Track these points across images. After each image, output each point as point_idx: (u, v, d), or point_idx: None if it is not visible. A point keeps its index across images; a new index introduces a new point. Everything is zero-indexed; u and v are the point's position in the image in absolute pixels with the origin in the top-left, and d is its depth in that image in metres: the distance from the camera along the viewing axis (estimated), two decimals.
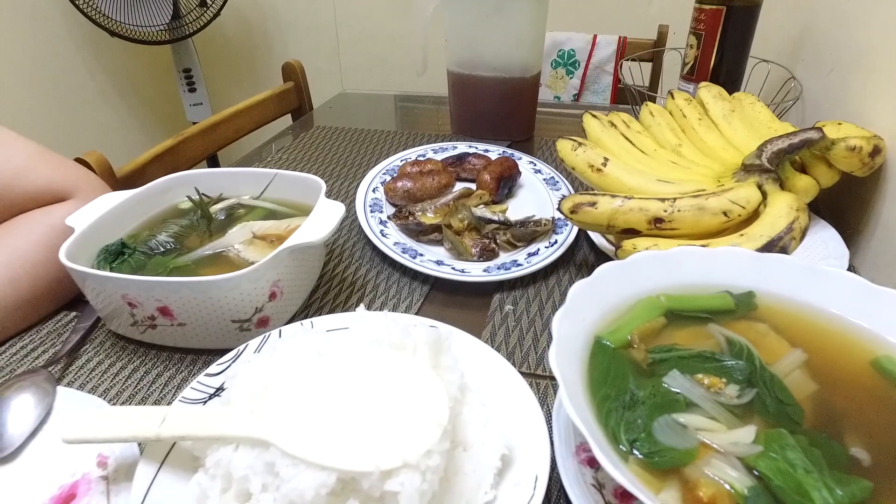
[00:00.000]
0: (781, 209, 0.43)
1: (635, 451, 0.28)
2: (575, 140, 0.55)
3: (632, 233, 0.46)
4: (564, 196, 0.49)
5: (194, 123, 1.72)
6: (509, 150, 0.72)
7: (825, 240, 0.53)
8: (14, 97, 1.44)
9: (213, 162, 1.68)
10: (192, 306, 0.40)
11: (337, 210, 0.45)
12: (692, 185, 0.49)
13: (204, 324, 0.41)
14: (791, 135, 0.49)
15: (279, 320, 0.44)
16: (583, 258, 0.54)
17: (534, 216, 0.58)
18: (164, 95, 1.81)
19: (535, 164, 0.68)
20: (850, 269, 0.51)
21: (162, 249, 0.48)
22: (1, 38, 1.39)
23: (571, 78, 1.29)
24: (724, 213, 0.43)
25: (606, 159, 0.52)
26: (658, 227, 0.45)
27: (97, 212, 0.47)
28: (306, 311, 0.48)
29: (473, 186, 0.64)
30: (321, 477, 0.25)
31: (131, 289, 0.40)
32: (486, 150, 0.72)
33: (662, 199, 0.45)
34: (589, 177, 0.53)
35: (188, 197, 0.53)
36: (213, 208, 0.53)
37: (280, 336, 0.39)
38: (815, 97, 0.71)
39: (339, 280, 0.52)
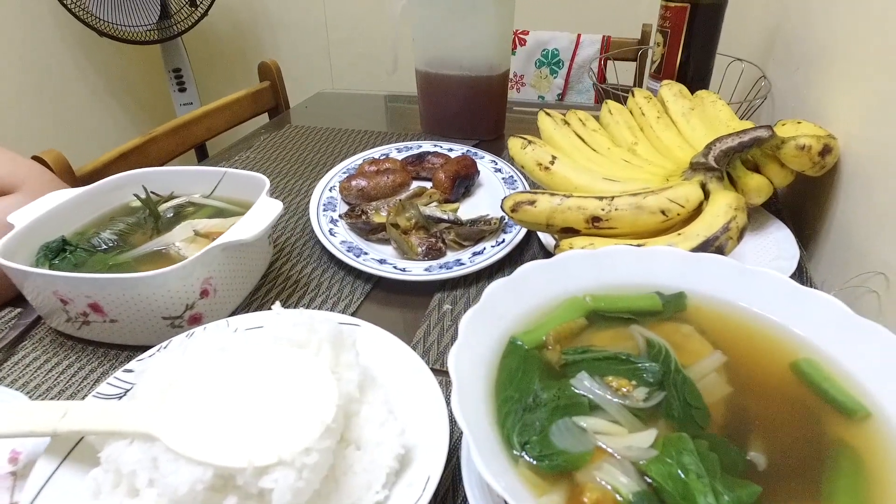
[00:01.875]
0: (720, 208, 0.42)
1: (525, 454, 0.27)
2: (525, 138, 0.54)
3: (571, 231, 0.45)
4: (506, 196, 0.48)
5: None
6: (473, 150, 0.71)
7: (779, 240, 0.52)
8: (3, 97, 1.46)
9: (203, 155, 1.69)
10: (122, 303, 0.40)
11: (273, 208, 0.45)
12: (639, 183, 0.49)
13: (135, 320, 0.41)
14: (741, 133, 0.48)
15: (214, 317, 0.44)
16: (531, 258, 0.54)
17: (486, 215, 0.57)
18: (155, 95, 1.82)
19: (496, 164, 0.68)
20: (802, 269, 0.50)
21: (104, 247, 0.48)
22: None
23: (555, 77, 1.28)
24: (663, 212, 0.43)
25: (554, 157, 0.52)
26: (596, 226, 0.44)
27: (41, 209, 0.47)
28: (248, 307, 0.48)
29: (429, 188, 0.63)
30: (198, 472, 0.25)
31: (60, 285, 0.40)
32: (450, 150, 0.72)
33: (601, 198, 0.44)
34: (537, 175, 0.52)
35: (135, 195, 0.53)
36: (163, 206, 0.54)
37: (205, 332, 0.39)
38: (784, 95, 0.70)
39: (285, 278, 0.52)
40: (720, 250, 0.41)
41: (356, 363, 0.30)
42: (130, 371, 0.36)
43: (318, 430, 0.26)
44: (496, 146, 0.80)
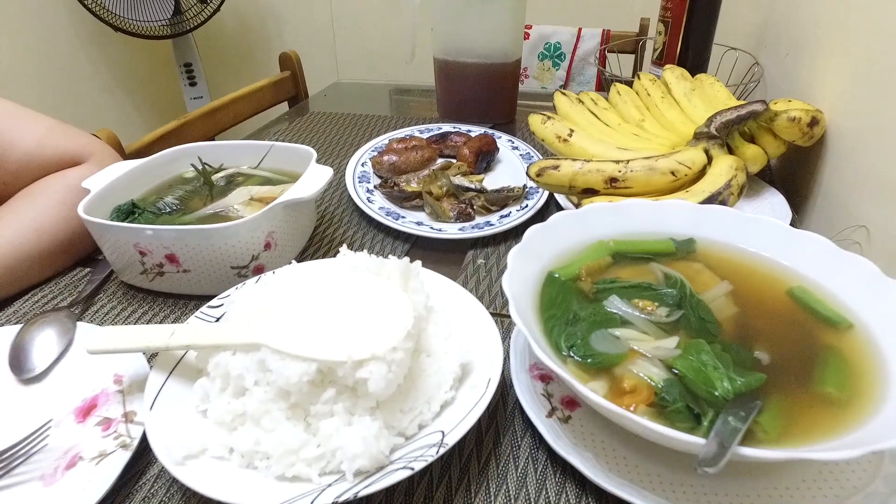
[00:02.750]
0: (722, 168, 0.48)
1: (572, 354, 0.33)
2: (545, 114, 0.60)
3: (591, 192, 0.51)
4: (531, 163, 0.54)
5: None
6: (489, 130, 0.77)
7: (773, 204, 0.58)
8: (19, 91, 1.49)
9: None
10: (196, 253, 0.45)
11: (326, 172, 0.50)
12: (650, 153, 0.54)
13: (206, 270, 0.46)
14: (738, 107, 0.54)
15: (274, 268, 0.49)
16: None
17: (509, 185, 0.63)
18: (166, 89, 1.86)
19: (513, 142, 0.73)
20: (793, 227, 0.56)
21: (168, 210, 0.53)
22: (7, 33, 1.44)
23: (557, 70, 1.34)
24: (672, 173, 0.49)
25: (572, 130, 0.57)
26: (613, 186, 0.50)
27: (110, 176, 0.52)
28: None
29: (455, 161, 0.69)
30: (303, 367, 0.30)
31: (143, 238, 0.45)
32: (469, 131, 0.77)
33: (617, 161, 0.50)
34: (556, 146, 0.58)
35: (192, 165, 0.58)
36: (215, 177, 0.58)
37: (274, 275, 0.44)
38: (775, 79, 0.77)
39: (329, 240, 0.57)
40: (723, 203, 0.47)
41: (422, 288, 0.36)
42: (214, 307, 0.41)
43: (401, 333, 0.31)
44: (509, 129, 0.86)
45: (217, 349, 0.34)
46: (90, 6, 1.43)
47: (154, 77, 1.83)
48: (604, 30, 1.30)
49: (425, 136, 0.76)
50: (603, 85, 1.33)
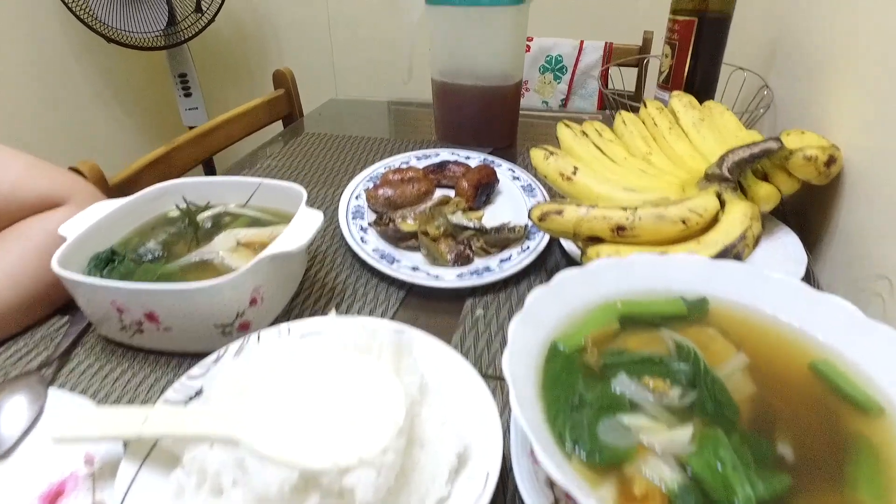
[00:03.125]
0: (736, 217, 0.45)
1: (578, 450, 0.30)
2: (547, 149, 0.57)
3: (596, 240, 0.48)
4: (534, 206, 0.51)
5: (190, 128, 1.75)
6: (490, 158, 0.74)
7: (786, 244, 0.55)
8: (12, 103, 1.46)
9: (209, 166, 1.71)
10: (177, 312, 0.42)
11: (315, 219, 0.47)
12: (657, 193, 0.52)
13: (188, 328, 0.43)
14: (752, 145, 0.51)
15: (260, 324, 0.47)
16: (554, 264, 0.56)
17: (509, 223, 0.60)
18: (160, 100, 1.83)
19: (513, 172, 0.70)
20: (809, 273, 0.54)
21: (151, 257, 0.50)
22: None
23: (559, 83, 1.31)
24: (683, 222, 0.46)
25: (576, 168, 0.54)
26: (620, 234, 0.47)
27: (89, 220, 0.49)
28: (288, 314, 0.50)
29: (453, 193, 0.66)
30: (284, 473, 0.27)
31: (120, 295, 0.42)
32: (468, 157, 0.74)
33: (625, 209, 0.47)
34: (559, 185, 0.55)
35: (176, 206, 0.55)
36: (201, 216, 0.56)
37: (258, 340, 0.41)
38: (786, 105, 0.74)
39: (321, 285, 0.54)
40: (738, 257, 0.44)
41: (416, 368, 0.33)
42: (193, 378, 0.38)
43: (392, 431, 0.28)
44: (509, 154, 0.83)
45: (194, 439, 0.31)
46: (82, 17, 1.40)
47: (149, 88, 1.80)
48: (606, 42, 1.27)
49: (423, 163, 0.73)
50: (605, 101, 1.31)
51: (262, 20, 1.76)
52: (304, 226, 0.47)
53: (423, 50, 0.81)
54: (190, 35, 1.56)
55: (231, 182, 0.58)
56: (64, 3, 1.37)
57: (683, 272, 0.42)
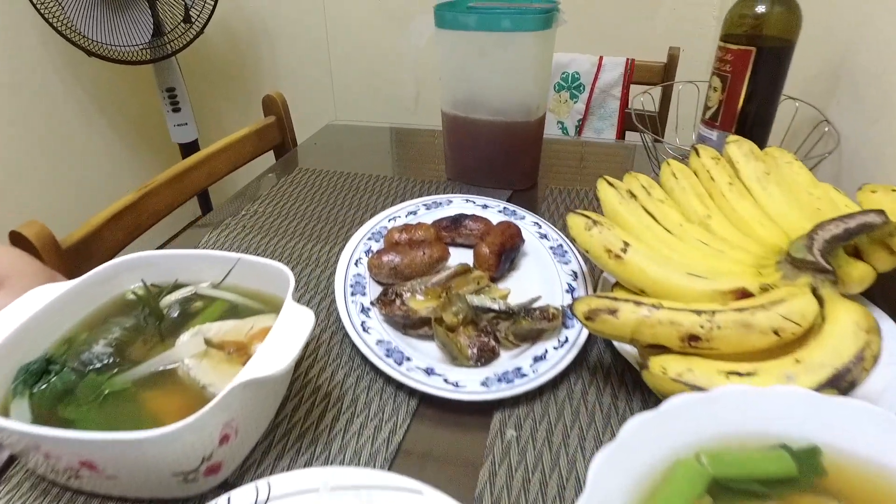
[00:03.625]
0: (847, 329, 0.35)
1: None
2: (588, 216, 0.47)
3: (660, 347, 0.38)
4: (577, 298, 0.41)
5: (181, 144, 1.65)
6: (510, 207, 0.64)
7: (885, 335, 0.45)
8: None
9: (205, 198, 1.61)
10: (123, 461, 0.32)
11: (304, 324, 0.37)
12: (729, 279, 0.41)
13: (139, 478, 0.33)
14: (846, 218, 0.41)
15: (234, 461, 0.37)
16: (597, 358, 0.46)
17: (538, 298, 0.50)
18: (148, 116, 1.73)
19: (539, 226, 0.60)
20: None
21: (98, 364, 0.40)
22: None
23: (576, 102, 1.21)
24: (775, 332, 0.36)
25: (626, 244, 0.44)
26: (693, 345, 0.37)
27: (21, 315, 0.39)
28: (270, 435, 0.40)
29: (470, 255, 0.56)
30: None
31: (44, 443, 0.32)
32: (485, 206, 0.64)
33: (698, 312, 0.37)
34: (605, 263, 0.45)
35: (133, 292, 0.45)
36: (166, 300, 0.46)
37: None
38: (855, 148, 0.64)
39: (313, 389, 0.44)
40: (853, 385, 0.34)
41: None
42: None
43: None
44: (531, 198, 0.73)
45: None
46: (60, 29, 1.30)
47: (135, 103, 1.70)
48: (628, 59, 1.16)
49: (433, 214, 0.63)
50: (626, 121, 1.20)
51: (256, 29, 1.65)
52: (289, 335, 0.36)
53: (431, 76, 0.71)
54: (178, 47, 1.45)
55: (204, 256, 0.48)
56: (40, 13, 1.26)
57: (784, 410, 0.32)
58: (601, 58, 1.18)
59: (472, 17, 0.63)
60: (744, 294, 0.40)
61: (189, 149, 1.61)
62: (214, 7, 1.41)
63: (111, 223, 0.62)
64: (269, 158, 0.92)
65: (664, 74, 1.14)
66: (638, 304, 0.38)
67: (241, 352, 0.41)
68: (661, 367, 0.37)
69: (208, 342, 0.41)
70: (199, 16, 1.43)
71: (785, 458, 0.30)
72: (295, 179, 0.78)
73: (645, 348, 0.39)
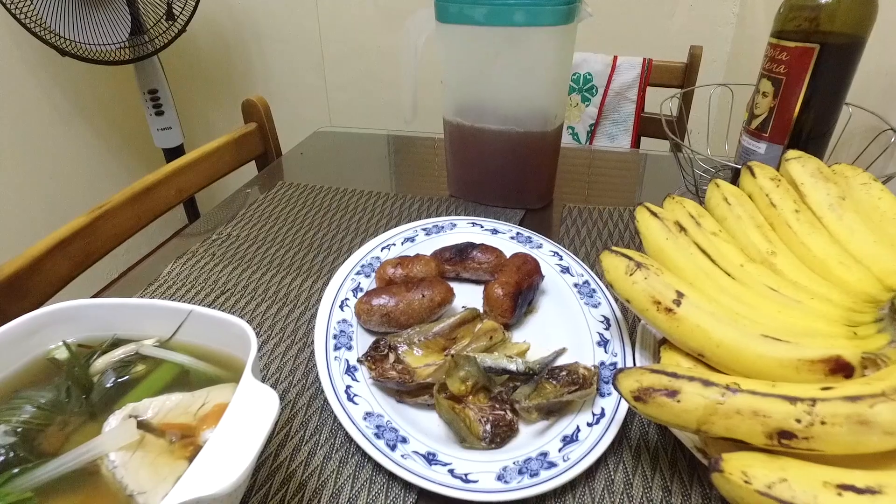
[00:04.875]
0: None
1: None
2: (629, 257, 0.37)
3: (737, 441, 0.29)
4: (622, 369, 0.31)
5: (165, 150, 1.55)
6: (524, 232, 0.55)
7: None
8: None
9: (191, 206, 1.51)
10: None
11: (265, 413, 0.28)
12: (817, 342, 0.32)
13: None
14: None
15: None
16: (639, 433, 0.37)
17: (563, 351, 0.41)
18: (129, 120, 1.63)
19: (560, 258, 0.51)
20: None
21: None
22: None
23: (588, 106, 1.12)
24: None
25: (680, 294, 0.35)
26: (784, 444, 0.27)
27: None
28: None
29: (478, 293, 0.47)
30: None
31: None
32: (495, 231, 0.55)
33: (793, 400, 0.27)
34: (653, 317, 0.36)
35: (50, 358, 0.35)
36: (99, 363, 0.36)
37: None
38: None
39: (284, 478, 0.35)
40: None
41: None
42: None
43: None
44: (545, 218, 0.64)
45: None
46: (30, 26, 1.20)
47: (116, 105, 1.60)
48: (644, 59, 1.07)
49: (434, 242, 0.54)
50: (641, 126, 1.11)
51: (244, 26, 1.56)
52: (243, 430, 0.27)
53: (431, 77, 0.62)
54: (160, 45, 1.35)
55: (149, 307, 0.38)
56: (7, 8, 1.17)
57: None
58: (615, 58, 1.08)
59: (481, 9, 0.53)
60: (840, 365, 0.30)
61: (174, 154, 1.51)
62: (198, 2, 1.31)
63: (55, 252, 0.53)
64: (250, 169, 0.83)
65: (685, 75, 1.05)
66: (707, 384, 0.29)
67: (186, 440, 0.31)
68: (742, 473, 0.27)
69: (145, 425, 0.32)
70: (181, 11, 1.34)
71: None
72: (276, 196, 0.69)
73: (713, 440, 0.30)
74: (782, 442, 0.27)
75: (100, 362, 0.36)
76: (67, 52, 1.26)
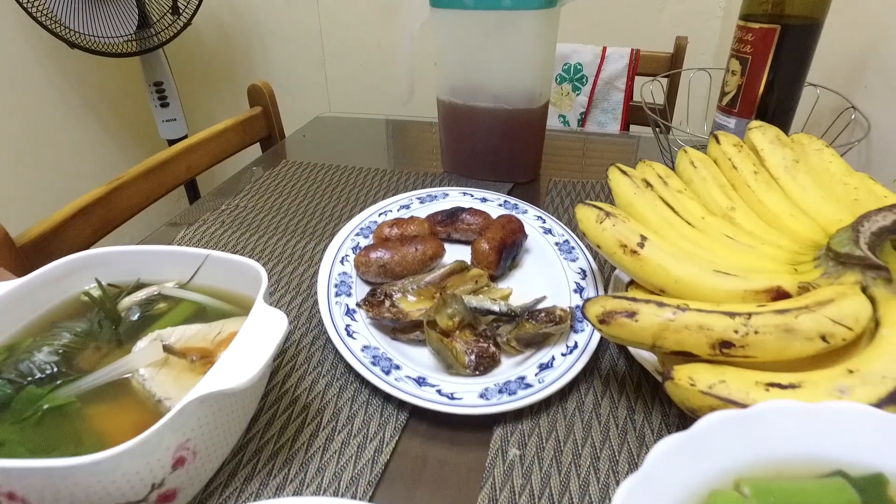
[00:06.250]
0: None
1: None
2: (600, 208, 0.42)
3: (686, 355, 0.33)
4: (589, 298, 0.36)
5: (169, 141, 1.60)
6: (511, 200, 0.59)
7: None
8: None
9: (192, 188, 1.56)
10: (53, 493, 0.27)
11: (275, 329, 0.32)
12: (763, 277, 0.36)
13: None
14: (894, 208, 0.36)
15: (193, 486, 0.32)
16: (610, 364, 0.41)
17: (543, 299, 0.45)
18: (135, 111, 1.68)
19: (543, 221, 0.55)
20: None
21: (39, 375, 0.35)
22: None
23: (578, 95, 1.16)
24: (823, 338, 0.31)
25: (644, 237, 0.39)
26: (725, 352, 0.32)
27: None
28: (239, 455, 0.35)
29: (468, 251, 0.51)
30: None
31: None
32: (484, 200, 0.59)
33: (732, 315, 0.32)
34: (620, 259, 0.40)
35: (85, 293, 0.40)
36: (125, 301, 0.41)
37: None
38: (886, 135, 0.59)
39: (290, 401, 0.39)
40: None
41: None
42: None
43: None
44: (532, 190, 0.68)
45: None
46: (41, 20, 1.25)
47: (123, 97, 1.65)
48: (632, 49, 1.12)
49: (427, 208, 0.58)
50: (630, 116, 1.16)
51: (246, 21, 1.60)
52: (257, 341, 0.31)
53: (426, 63, 0.66)
54: (165, 39, 1.40)
55: (169, 253, 0.42)
56: (19, 2, 1.21)
57: (840, 430, 0.27)
58: (605, 48, 1.13)
59: None
60: (780, 294, 0.35)
61: None
62: None
63: (76, 219, 0.57)
64: (255, 151, 0.87)
65: (671, 65, 1.09)
66: (661, 305, 0.33)
67: (205, 360, 0.36)
68: (689, 378, 0.32)
69: (168, 349, 0.36)
70: (186, 6, 1.39)
71: (845, 488, 0.25)
72: (280, 172, 0.73)
73: (667, 355, 0.34)
74: (723, 351, 0.32)
75: (126, 301, 0.41)
76: (77, 45, 1.30)
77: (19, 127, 1.42)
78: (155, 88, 1.48)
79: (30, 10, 1.22)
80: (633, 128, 1.18)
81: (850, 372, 0.30)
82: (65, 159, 1.53)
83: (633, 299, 0.34)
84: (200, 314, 0.40)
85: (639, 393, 0.39)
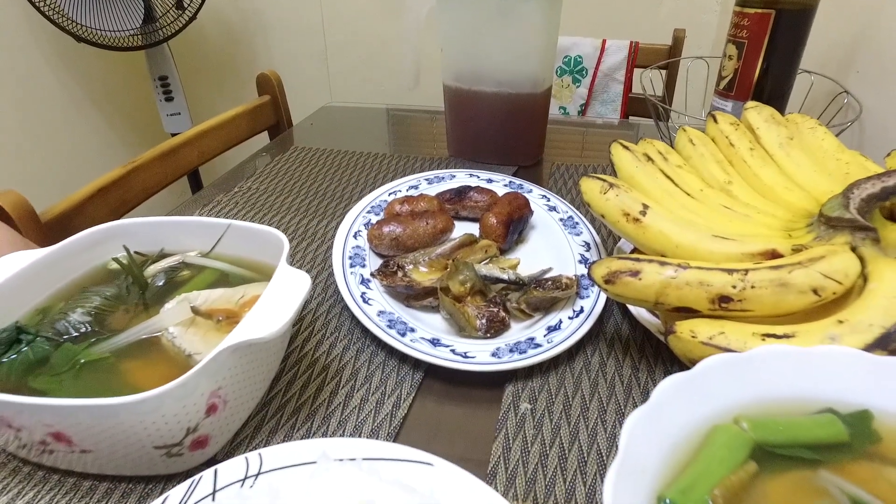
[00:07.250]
0: (894, 287, 0.32)
1: None
2: (604, 180, 0.44)
3: (687, 311, 0.35)
4: (595, 261, 0.38)
5: (173, 135, 1.61)
6: (516, 181, 0.61)
7: None
8: None
9: (195, 179, 1.57)
10: (98, 432, 0.29)
11: (299, 287, 0.34)
12: (759, 241, 0.39)
13: (117, 451, 0.30)
14: (882, 177, 0.39)
15: (223, 435, 0.33)
16: (614, 328, 0.43)
17: (550, 270, 0.47)
18: (140, 105, 1.69)
19: (547, 199, 0.57)
20: None
21: (73, 333, 0.37)
22: None
23: (578, 87, 1.18)
24: (815, 292, 0.33)
25: (646, 206, 0.41)
26: (724, 307, 0.34)
27: None
28: (263, 410, 0.37)
29: (476, 228, 0.53)
30: None
31: (8, 411, 0.29)
32: (490, 181, 0.61)
33: (730, 271, 0.34)
34: (623, 227, 0.42)
35: (115, 259, 0.42)
36: (151, 269, 0.42)
37: (215, 478, 0.28)
38: (878, 117, 0.61)
39: (309, 363, 0.41)
40: None
41: None
42: None
43: None
44: (536, 173, 0.70)
45: None
46: (47, 13, 1.26)
47: (127, 91, 1.66)
48: (632, 42, 1.14)
49: (436, 188, 0.60)
50: (630, 107, 1.18)
51: (250, 16, 1.62)
52: (283, 297, 0.33)
53: (431, 51, 0.68)
54: (170, 33, 1.42)
55: (192, 223, 0.44)
56: None
57: (829, 372, 0.29)
58: (604, 41, 1.15)
59: None
60: (775, 255, 0.37)
61: None
62: None
63: (96, 198, 0.59)
64: (263, 139, 0.89)
65: (669, 57, 1.11)
66: (663, 264, 0.35)
67: (230, 320, 0.38)
68: (690, 331, 0.34)
69: (195, 310, 0.38)
70: (191, 2, 1.40)
71: (835, 423, 0.27)
72: (291, 157, 0.75)
73: (669, 312, 0.36)
74: (722, 305, 0.34)
75: (151, 269, 0.43)
76: (83, 39, 1.32)
77: (25, 119, 1.43)
78: (160, 82, 1.50)
79: (37, 3, 1.24)
80: (632, 119, 1.20)
81: (840, 322, 0.32)
82: (69, 152, 1.55)
83: (637, 259, 0.36)
84: (223, 280, 0.42)
85: (642, 353, 0.41)
